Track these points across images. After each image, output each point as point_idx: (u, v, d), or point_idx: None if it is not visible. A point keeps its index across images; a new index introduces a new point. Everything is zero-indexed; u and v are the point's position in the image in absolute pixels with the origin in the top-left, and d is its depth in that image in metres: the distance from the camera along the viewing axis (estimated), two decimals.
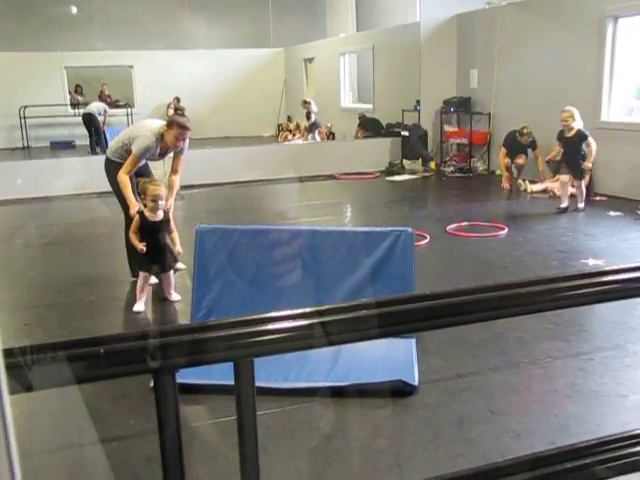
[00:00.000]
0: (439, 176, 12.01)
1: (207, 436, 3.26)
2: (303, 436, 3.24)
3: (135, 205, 5.15)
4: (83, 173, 10.60)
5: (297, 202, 10.20)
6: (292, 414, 3.44)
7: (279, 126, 19.02)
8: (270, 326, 1.07)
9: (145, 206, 5.01)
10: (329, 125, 16.58)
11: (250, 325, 1.06)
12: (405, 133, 12.78)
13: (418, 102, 12.95)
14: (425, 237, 7.10)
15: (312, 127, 15.46)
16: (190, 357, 1.02)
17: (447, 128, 12.76)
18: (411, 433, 3.23)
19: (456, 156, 12.60)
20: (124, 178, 5.25)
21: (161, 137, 5.33)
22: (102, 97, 18.17)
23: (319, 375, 3.79)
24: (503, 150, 10.10)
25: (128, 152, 5.34)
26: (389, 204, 9.61)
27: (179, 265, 5.26)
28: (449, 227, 7.61)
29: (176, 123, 5.32)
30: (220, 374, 3.49)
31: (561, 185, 8.60)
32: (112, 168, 5.44)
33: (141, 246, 4.92)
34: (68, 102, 18.49)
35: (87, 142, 16.06)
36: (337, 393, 3.62)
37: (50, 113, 17.71)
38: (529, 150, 9.90)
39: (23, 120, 17.77)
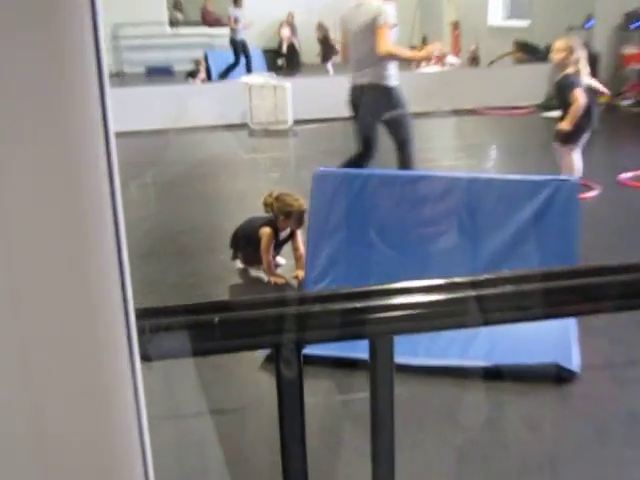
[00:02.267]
0: (612, 111, 11.40)
1: (331, 416, 3.32)
2: (434, 424, 3.24)
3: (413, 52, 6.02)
4: (197, 104, 10.87)
5: (430, 142, 10.02)
6: (421, 397, 3.43)
7: (412, 49, 18.65)
8: (416, 298, 1.04)
9: (277, 221, 4.95)
10: (472, 48, 16.10)
11: (391, 295, 1.03)
12: None
13: (590, 17, 12.26)
14: (593, 188, 6.80)
15: (329, 55, 15.52)
16: (318, 331, 1.01)
17: (626, 50, 12.04)
18: (568, 429, 3.15)
19: (636, 86, 11.90)
20: (392, 49, 5.59)
21: None
22: (205, 15, 18.52)
23: (455, 351, 3.76)
24: None
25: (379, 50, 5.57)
26: (546, 146, 9.23)
27: (280, 260, 5.32)
28: (623, 176, 7.25)
29: None
30: (349, 346, 3.54)
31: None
32: (379, 96, 5.70)
33: (277, 279, 4.92)
34: (166, 20, 18.94)
35: (186, 67, 16.39)
36: (476, 375, 3.57)
37: (146, 33, 18.23)
38: None
39: (116, 41, 18.41)
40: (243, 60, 15.53)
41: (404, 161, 5.76)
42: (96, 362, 0.55)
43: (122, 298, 0.54)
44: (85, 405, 0.56)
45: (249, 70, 15.09)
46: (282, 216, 4.90)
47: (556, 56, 6.45)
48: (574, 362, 3.60)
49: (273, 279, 4.89)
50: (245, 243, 5.09)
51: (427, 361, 3.67)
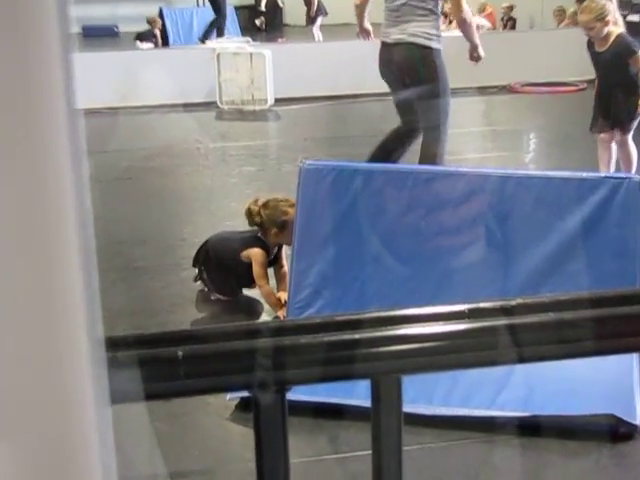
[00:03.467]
0: None
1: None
2: None
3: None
4: (149, 76, 10.85)
5: (451, 129, 10.05)
6: (438, 455, 3.46)
7: None
8: (430, 328, 1.07)
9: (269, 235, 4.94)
10: (506, 6, 16.18)
11: (399, 324, 1.07)
12: (634, 18, 12.30)
13: None
14: None
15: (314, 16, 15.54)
16: (306, 369, 1.04)
17: None
18: None
19: None
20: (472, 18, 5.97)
21: None
22: None
23: (481, 399, 3.79)
24: None
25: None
26: None
27: None
28: None
29: None
30: (345, 389, 3.56)
31: (600, 146, 6.91)
32: (426, 58, 5.84)
33: (281, 313, 4.81)
34: None
35: (134, 29, 16.38)
36: (509, 428, 3.60)
37: None
38: None
39: None
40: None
41: (426, 153, 5.81)
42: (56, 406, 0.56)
43: (88, 320, 0.56)
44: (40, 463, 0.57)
45: (219, 33, 15.05)
46: (274, 229, 4.87)
47: (590, 27, 6.40)
48: (636, 413, 3.63)
49: (281, 313, 4.77)
50: (215, 266, 5.05)
51: (445, 410, 3.70)
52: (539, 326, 1.09)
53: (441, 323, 1.08)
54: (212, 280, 5.11)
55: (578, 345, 1.12)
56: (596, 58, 6.68)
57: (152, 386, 1.01)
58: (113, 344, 1.08)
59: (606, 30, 6.34)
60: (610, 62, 6.48)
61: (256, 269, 4.85)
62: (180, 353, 0.99)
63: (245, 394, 3.43)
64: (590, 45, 6.68)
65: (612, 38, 6.40)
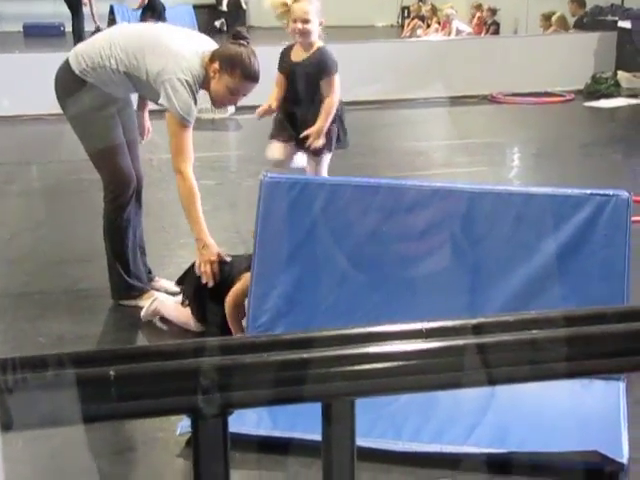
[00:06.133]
0: None
1: None
2: None
3: (207, 236, 4.82)
4: None
5: (427, 141, 10.13)
6: None
7: (404, 11, 18.94)
8: (388, 347, 1.08)
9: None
10: (486, 8, 16.26)
11: (354, 344, 1.08)
12: (625, 24, 12.43)
13: None
14: None
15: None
16: (253, 392, 1.05)
17: None
18: None
19: None
20: (189, 181, 4.91)
21: (202, 79, 5.18)
22: None
23: (454, 434, 3.80)
24: None
25: (122, 77, 5.19)
26: (588, 148, 9.42)
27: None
28: None
29: (242, 69, 5.02)
30: (290, 421, 3.55)
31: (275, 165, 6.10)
32: (71, 87, 5.35)
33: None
34: None
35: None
36: (483, 466, 3.61)
37: None
38: None
39: None
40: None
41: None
42: None
43: None
44: None
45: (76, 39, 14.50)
46: None
47: (306, 20, 5.76)
48: (623, 450, 3.61)
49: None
50: (212, 292, 4.78)
51: (416, 446, 3.69)
52: (502, 346, 1.10)
53: (397, 342, 1.09)
54: (208, 310, 4.86)
55: (544, 367, 1.13)
56: (291, 69, 6.03)
57: (81, 408, 1.01)
58: (41, 364, 1.08)
59: (314, 37, 5.84)
60: (308, 76, 5.94)
61: (238, 287, 4.69)
62: (112, 373, 0.99)
63: None
64: (285, 53, 6.14)
65: (314, 49, 5.89)
